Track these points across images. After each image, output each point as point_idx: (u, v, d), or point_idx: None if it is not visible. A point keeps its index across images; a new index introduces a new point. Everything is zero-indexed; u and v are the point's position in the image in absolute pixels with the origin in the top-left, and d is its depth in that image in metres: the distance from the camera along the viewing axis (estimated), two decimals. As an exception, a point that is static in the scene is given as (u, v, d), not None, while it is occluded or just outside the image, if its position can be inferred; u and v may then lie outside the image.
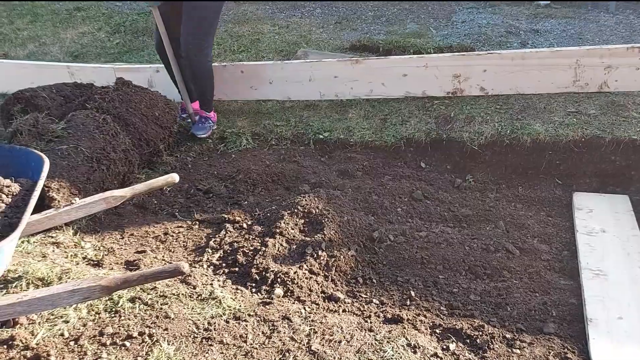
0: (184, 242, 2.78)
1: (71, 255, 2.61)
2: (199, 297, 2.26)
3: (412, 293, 2.28)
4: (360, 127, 3.63)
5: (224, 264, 2.55)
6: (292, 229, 2.67)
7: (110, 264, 2.56)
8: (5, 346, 2.01)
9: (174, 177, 2.22)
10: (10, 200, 1.78)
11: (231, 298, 2.25)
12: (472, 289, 2.32)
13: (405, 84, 3.72)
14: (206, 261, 2.58)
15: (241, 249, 2.59)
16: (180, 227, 2.90)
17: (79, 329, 2.09)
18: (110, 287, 1.62)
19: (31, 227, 1.90)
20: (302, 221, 2.74)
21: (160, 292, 2.28)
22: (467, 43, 4.42)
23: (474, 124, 3.42)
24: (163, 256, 2.65)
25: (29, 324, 2.13)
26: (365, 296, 2.29)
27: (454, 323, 2.08)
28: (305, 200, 2.86)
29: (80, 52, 5.39)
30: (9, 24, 6.39)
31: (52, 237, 2.71)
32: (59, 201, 2.60)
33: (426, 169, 3.32)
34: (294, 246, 2.57)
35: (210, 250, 2.65)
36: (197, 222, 2.93)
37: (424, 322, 2.09)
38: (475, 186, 3.15)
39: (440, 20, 5.21)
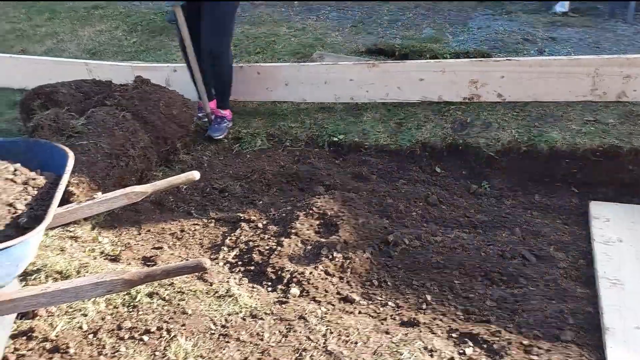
0: (200, 239, 2.79)
1: (89, 250, 2.64)
2: (216, 294, 2.28)
3: (428, 297, 2.28)
4: (375, 131, 3.64)
5: (239, 262, 2.57)
6: (308, 230, 2.69)
7: (128, 259, 2.59)
8: (25, 337, 2.04)
9: (195, 175, 2.24)
10: (36, 192, 1.80)
11: (247, 296, 2.26)
12: (488, 294, 2.31)
13: (421, 88, 3.73)
14: (222, 259, 2.59)
15: (257, 248, 2.60)
16: (196, 224, 2.92)
17: (97, 323, 2.11)
18: (134, 281, 1.64)
19: (54, 220, 1.92)
20: (317, 222, 2.75)
21: (178, 288, 2.30)
22: (484, 49, 4.41)
23: (490, 130, 3.41)
24: (179, 253, 2.67)
25: (48, 316, 2.15)
26: (380, 299, 2.30)
27: (471, 328, 2.07)
28: (321, 201, 2.87)
29: (98, 49, 5.44)
30: (27, 21, 6.46)
31: (70, 231, 2.74)
32: (78, 195, 2.63)
33: (441, 174, 3.32)
34: (309, 247, 2.58)
35: (226, 249, 2.66)
36: (212, 220, 2.95)
37: (440, 326, 2.09)
38: (491, 192, 3.14)
39: (457, 26, 5.21)
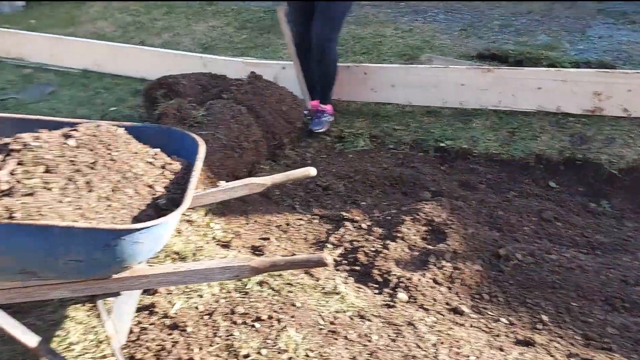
0: (304, 234, 2.84)
1: (202, 234, 2.76)
2: (323, 290, 2.30)
3: (544, 317, 2.17)
4: (486, 138, 3.52)
5: (344, 261, 2.58)
6: (414, 235, 2.65)
7: (237, 247, 2.68)
8: (147, 312, 2.17)
9: (311, 171, 2.27)
10: (172, 177, 1.90)
11: (354, 296, 2.26)
12: (609, 321, 2.16)
13: (538, 97, 3.56)
14: (327, 256, 2.61)
15: (362, 249, 2.60)
16: (301, 219, 2.97)
17: (212, 305, 2.20)
18: (259, 268, 1.69)
19: (182, 203, 2.02)
20: (424, 229, 2.70)
21: (286, 279, 2.35)
22: (607, 60, 4.14)
23: (613, 146, 3.19)
24: (285, 246, 2.73)
25: (167, 293, 2.28)
26: (492, 314, 2.22)
27: (592, 355, 1.95)
28: (428, 207, 2.82)
29: (210, 44, 5.70)
30: (146, 14, 6.90)
31: (186, 215, 2.88)
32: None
33: (556, 189, 3.15)
34: (416, 253, 2.55)
35: (330, 246, 2.69)
36: (316, 217, 2.99)
37: (559, 349, 1.98)
38: (611, 213, 2.94)
39: (574, 34, 4.93)
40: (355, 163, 3.55)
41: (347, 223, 2.83)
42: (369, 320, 2.11)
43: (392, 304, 2.23)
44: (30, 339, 1.78)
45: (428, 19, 5.63)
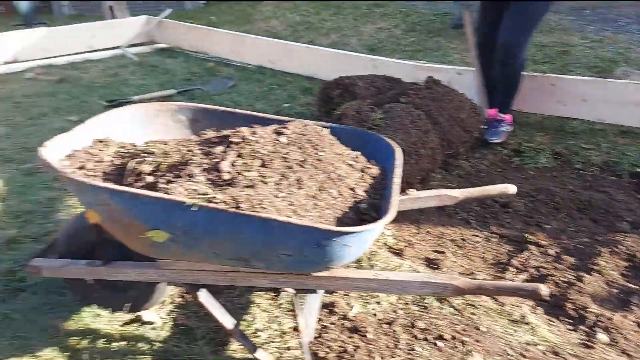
0: (482, 253, 2.68)
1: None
2: (510, 317, 2.15)
3: None
4: (696, 168, 3.06)
5: (529, 288, 2.38)
6: (612, 270, 2.37)
7: (411, 257, 2.61)
8: (327, 310, 2.20)
9: (510, 189, 2.12)
10: (371, 181, 1.89)
11: (546, 329, 2.07)
12: None
13: None
14: (509, 280, 2.44)
15: (551, 277, 2.38)
16: (477, 236, 2.82)
17: (390, 314, 2.16)
18: (463, 289, 1.60)
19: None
20: (625, 264, 2.41)
21: (468, 300, 2.23)
22: None
23: None
24: (462, 263, 2.60)
25: (344, 295, 2.29)
26: None
27: None
28: (629, 240, 2.51)
29: (377, 46, 5.71)
30: (315, 14, 7.14)
31: (360, 217, 2.89)
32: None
33: None
34: (615, 290, 2.27)
35: (513, 270, 2.50)
36: (495, 236, 2.81)
37: None
38: None
39: None
40: (536, 181, 3.29)
41: (531, 246, 2.62)
42: (564, 358, 1.92)
43: (590, 344, 2.00)
44: (228, 321, 1.89)
45: (619, 29, 5.08)
